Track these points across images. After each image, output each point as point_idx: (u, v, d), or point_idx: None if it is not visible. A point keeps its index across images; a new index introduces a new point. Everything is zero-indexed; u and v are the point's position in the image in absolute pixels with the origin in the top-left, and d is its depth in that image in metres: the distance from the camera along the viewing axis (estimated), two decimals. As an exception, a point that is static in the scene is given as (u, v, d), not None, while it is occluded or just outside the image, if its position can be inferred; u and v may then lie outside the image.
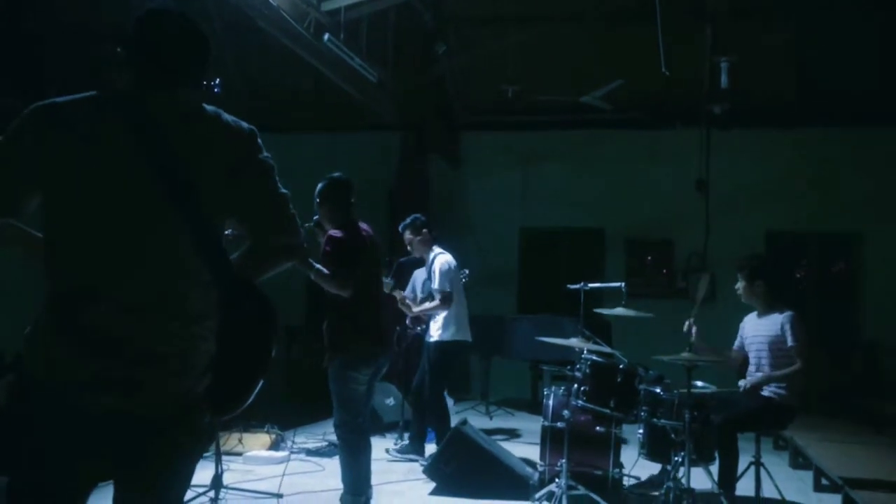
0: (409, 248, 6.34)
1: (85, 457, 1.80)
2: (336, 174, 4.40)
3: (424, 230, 6.23)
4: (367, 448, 4.40)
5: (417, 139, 9.63)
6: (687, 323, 4.97)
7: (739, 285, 5.18)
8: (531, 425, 7.73)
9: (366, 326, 4.28)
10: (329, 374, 4.28)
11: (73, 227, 1.81)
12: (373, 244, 4.45)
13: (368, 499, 4.39)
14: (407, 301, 6.31)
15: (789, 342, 4.88)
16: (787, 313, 4.96)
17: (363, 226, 4.40)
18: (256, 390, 1.93)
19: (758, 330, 5.09)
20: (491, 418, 8.60)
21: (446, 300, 5.96)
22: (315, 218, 4.34)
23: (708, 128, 9.74)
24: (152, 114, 1.87)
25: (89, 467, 1.82)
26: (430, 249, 6.22)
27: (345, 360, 4.23)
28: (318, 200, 4.33)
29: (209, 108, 1.96)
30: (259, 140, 2.00)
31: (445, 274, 6.01)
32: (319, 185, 4.35)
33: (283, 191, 2.02)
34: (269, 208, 2.00)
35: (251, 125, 2.01)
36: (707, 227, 9.94)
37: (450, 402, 8.95)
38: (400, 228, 6.34)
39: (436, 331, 6.09)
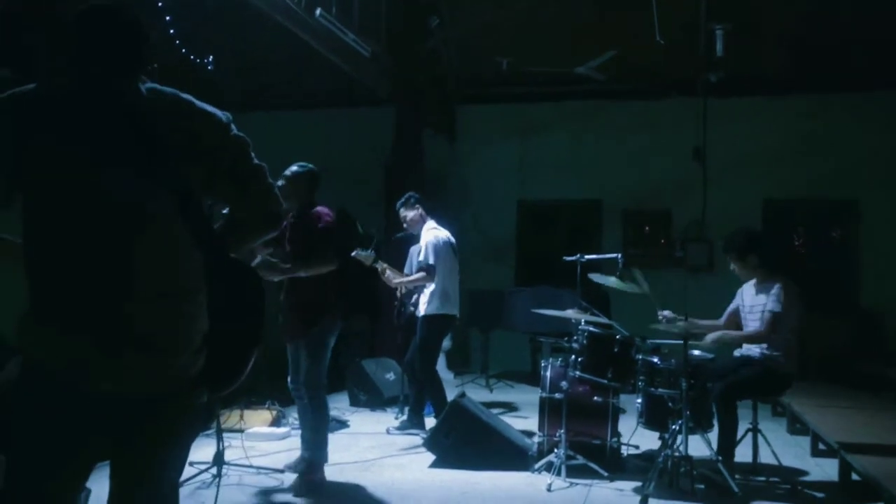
0: (404, 224, 6.38)
1: (82, 437, 1.81)
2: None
3: (418, 207, 6.26)
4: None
5: (412, 114, 9.56)
6: (662, 316, 5.05)
7: (733, 266, 5.20)
8: (531, 397, 7.73)
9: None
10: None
11: (58, 213, 1.81)
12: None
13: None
14: (388, 274, 6.29)
15: (769, 307, 4.92)
16: (778, 284, 4.98)
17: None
18: (251, 363, 1.96)
19: (756, 300, 5.11)
20: (491, 391, 8.65)
21: (428, 273, 5.99)
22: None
23: (704, 96, 9.68)
24: (125, 97, 1.88)
25: (86, 448, 1.84)
26: (422, 225, 6.25)
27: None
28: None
29: (184, 95, 1.98)
30: (232, 121, 2.05)
31: (432, 248, 6.04)
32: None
33: (259, 162, 2.08)
34: (249, 180, 2.05)
35: (225, 111, 2.05)
36: (705, 196, 9.91)
37: (450, 375, 9.03)
38: (396, 207, 6.38)
39: (423, 305, 6.13)
